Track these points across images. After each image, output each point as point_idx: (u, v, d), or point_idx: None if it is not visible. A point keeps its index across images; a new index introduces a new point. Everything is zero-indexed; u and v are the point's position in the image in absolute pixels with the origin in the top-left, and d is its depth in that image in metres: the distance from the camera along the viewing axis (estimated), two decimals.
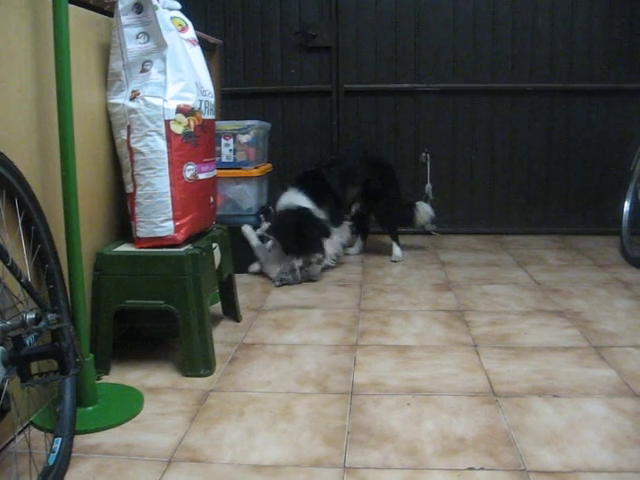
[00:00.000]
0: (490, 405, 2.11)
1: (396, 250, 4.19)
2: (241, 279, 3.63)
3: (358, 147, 4.65)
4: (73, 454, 1.82)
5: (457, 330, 2.83)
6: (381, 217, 4.22)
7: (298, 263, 3.63)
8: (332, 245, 3.85)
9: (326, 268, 3.86)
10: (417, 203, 4.34)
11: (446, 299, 3.28)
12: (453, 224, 4.92)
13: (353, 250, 4.34)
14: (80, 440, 1.91)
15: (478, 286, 3.50)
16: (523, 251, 4.34)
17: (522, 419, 2.01)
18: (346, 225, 3.98)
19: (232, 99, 4.86)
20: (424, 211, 4.32)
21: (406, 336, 2.77)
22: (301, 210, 3.71)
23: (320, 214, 3.75)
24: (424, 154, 4.81)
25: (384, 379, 2.33)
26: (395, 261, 4.13)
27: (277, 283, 3.59)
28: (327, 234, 3.75)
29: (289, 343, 2.71)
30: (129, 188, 2.47)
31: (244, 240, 3.75)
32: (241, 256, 3.60)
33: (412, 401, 2.15)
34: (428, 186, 4.80)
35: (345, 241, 3.96)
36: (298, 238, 3.65)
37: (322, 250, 3.72)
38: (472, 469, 1.74)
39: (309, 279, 3.66)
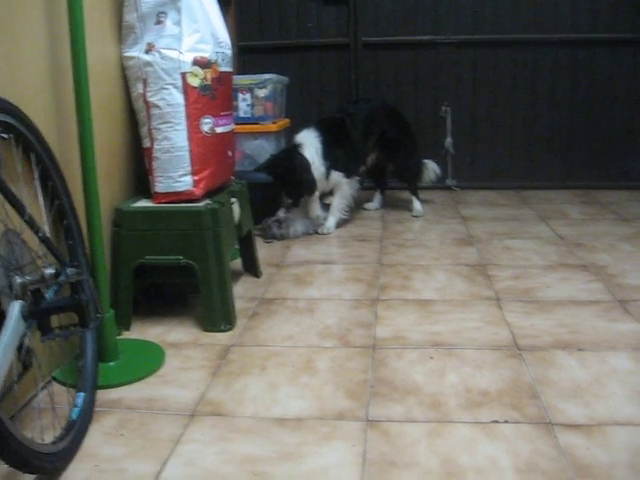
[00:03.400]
0: (514, 359, 2.09)
1: (417, 204, 4.14)
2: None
3: (375, 97, 4.56)
4: (96, 409, 1.83)
5: (479, 284, 2.79)
6: (399, 169, 4.16)
7: (282, 214, 3.60)
8: (343, 197, 3.81)
9: (344, 223, 3.83)
10: (425, 161, 4.28)
11: (468, 254, 3.24)
12: (474, 179, 4.85)
13: (372, 205, 4.30)
14: (102, 395, 1.92)
15: (500, 241, 3.46)
16: (545, 206, 4.28)
17: (546, 373, 1.98)
18: (357, 178, 3.89)
19: (248, 54, 4.80)
20: (431, 169, 4.27)
21: (428, 290, 2.74)
22: (297, 157, 3.60)
23: (320, 166, 3.65)
24: (444, 108, 4.73)
25: (406, 333, 2.31)
26: (416, 216, 4.08)
27: (268, 240, 3.57)
28: (310, 191, 3.65)
29: (310, 298, 2.70)
30: (146, 143, 2.44)
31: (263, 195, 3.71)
32: (262, 211, 3.56)
33: (435, 354, 2.13)
34: (448, 140, 4.73)
35: (355, 192, 3.89)
36: (282, 181, 3.61)
37: (296, 204, 3.65)
38: (496, 422, 1.73)
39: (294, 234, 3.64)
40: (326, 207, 3.84)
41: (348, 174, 3.80)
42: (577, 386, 1.90)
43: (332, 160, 3.70)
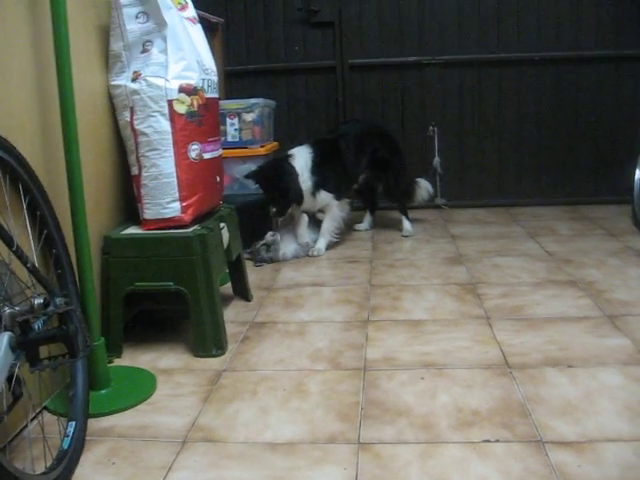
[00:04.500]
0: (504, 377, 2.10)
1: (406, 224, 4.16)
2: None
3: (365, 117, 4.60)
4: (87, 437, 1.82)
5: (469, 303, 2.81)
6: (389, 189, 4.18)
7: (270, 237, 3.61)
8: (334, 219, 3.82)
9: (334, 244, 3.85)
10: (417, 179, 4.31)
11: (457, 272, 3.26)
12: (462, 197, 4.88)
13: (362, 226, 4.32)
14: (94, 423, 1.91)
15: (489, 258, 3.48)
16: (534, 222, 4.30)
17: (537, 390, 1.99)
18: (347, 201, 3.91)
19: (236, 78, 4.83)
20: (424, 188, 4.30)
21: (418, 310, 2.75)
22: (286, 165, 3.65)
23: (308, 180, 3.68)
24: (431, 128, 4.76)
25: (397, 354, 2.32)
26: (406, 236, 4.10)
27: (258, 264, 3.58)
28: (297, 200, 3.67)
29: (300, 321, 2.70)
30: (134, 170, 2.46)
31: (253, 219, 3.72)
32: (252, 235, 3.58)
33: (426, 375, 2.14)
34: (436, 160, 4.76)
35: (345, 215, 3.91)
36: (269, 187, 3.63)
37: (282, 213, 3.67)
38: (487, 441, 1.73)
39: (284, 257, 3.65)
40: (317, 229, 3.86)
41: (338, 196, 3.81)
42: (567, 403, 1.91)
43: (321, 178, 3.73)
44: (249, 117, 3.79)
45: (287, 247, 3.66)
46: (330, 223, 3.81)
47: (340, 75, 4.81)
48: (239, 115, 3.79)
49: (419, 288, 3.04)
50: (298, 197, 3.66)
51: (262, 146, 3.88)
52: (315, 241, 3.79)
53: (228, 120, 3.78)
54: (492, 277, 3.15)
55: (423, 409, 1.92)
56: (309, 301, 2.95)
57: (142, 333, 2.61)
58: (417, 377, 2.13)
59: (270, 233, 3.64)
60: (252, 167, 3.78)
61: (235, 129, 3.80)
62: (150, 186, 2.41)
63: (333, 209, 3.81)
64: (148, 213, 2.44)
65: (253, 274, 3.32)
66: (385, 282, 3.17)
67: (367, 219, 4.35)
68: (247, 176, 3.68)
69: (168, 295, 2.41)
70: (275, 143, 4.19)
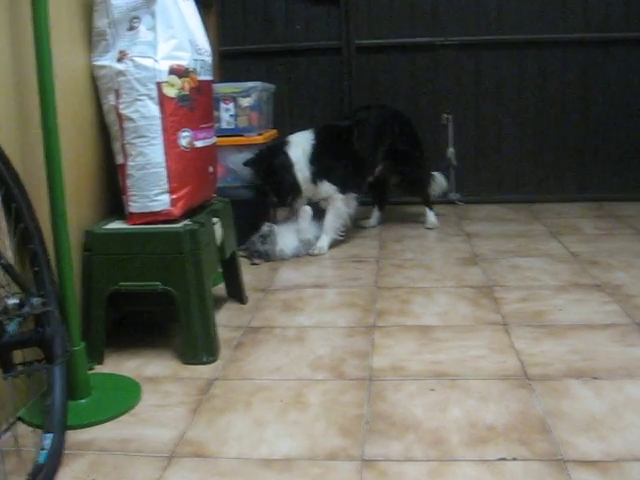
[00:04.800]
0: (522, 389, 2.09)
1: (431, 216, 4.22)
2: (246, 257, 3.63)
3: (387, 103, 4.61)
4: (65, 451, 1.82)
5: (485, 308, 2.80)
6: (412, 181, 4.23)
7: (266, 228, 3.62)
8: (338, 215, 3.82)
9: (338, 242, 3.84)
10: (433, 173, 4.35)
11: (472, 274, 3.26)
12: (479, 192, 4.88)
13: (370, 222, 4.32)
14: (73, 436, 1.91)
15: (507, 259, 3.48)
16: (557, 220, 4.30)
17: (558, 404, 1.99)
18: (356, 195, 3.91)
19: (231, 60, 4.83)
20: (439, 183, 4.35)
21: (429, 315, 2.75)
22: (279, 155, 3.70)
23: (305, 169, 3.72)
24: (445, 115, 4.76)
25: (405, 363, 2.32)
26: (430, 228, 4.17)
27: (254, 262, 3.58)
28: (295, 192, 3.72)
29: (300, 325, 2.70)
30: (119, 159, 2.45)
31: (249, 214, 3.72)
32: (247, 231, 3.59)
33: (436, 386, 2.14)
34: (450, 151, 4.76)
35: (352, 211, 3.91)
36: (266, 178, 3.69)
37: (282, 203, 3.72)
38: (503, 460, 1.73)
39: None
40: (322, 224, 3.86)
41: (343, 189, 3.81)
42: (592, 418, 1.90)
43: (323, 168, 3.74)
44: (245, 102, 3.79)
45: (286, 243, 3.65)
46: (333, 219, 3.81)
47: (346, 57, 4.81)
48: (235, 100, 3.78)
49: (430, 291, 3.04)
50: (293, 188, 3.69)
51: (260, 134, 3.88)
52: (317, 238, 3.78)
53: (223, 105, 3.77)
54: (510, 279, 3.15)
55: (433, 423, 1.92)
56: (309, 304, 2.95)
57: (126, 337, 2.60)
58: (427, 388, 2.13)
59: (267, 224, 3.64)
60: (248, 157, 3.79)
61: (230, 115, 3.79)
62: (136, 176, 2.41)
63: (336, 203, 3.80)
64: (134, 206, 2.44)
65: (249, 274, 3.32)
66: (393, 284, 3.17)
67: (375, 215, 4.36)
68: (245, 163, 3.70)
69: (155, 296, 2.41)
70: (274, 131, 4.19)
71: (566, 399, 2.02)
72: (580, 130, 4.76)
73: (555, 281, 3.10)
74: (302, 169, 3.68)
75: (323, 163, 3.74)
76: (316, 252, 3.72)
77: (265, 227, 3.62)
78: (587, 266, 3.30)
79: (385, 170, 4.14)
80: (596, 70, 4.69)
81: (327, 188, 3.76)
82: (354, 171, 3.87)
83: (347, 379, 2.22)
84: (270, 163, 3.66)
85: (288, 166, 3.65)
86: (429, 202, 4.25)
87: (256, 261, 3.56)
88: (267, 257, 3.59)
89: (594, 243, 3.72)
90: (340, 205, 3.82)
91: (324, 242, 3.77)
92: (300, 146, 3.72)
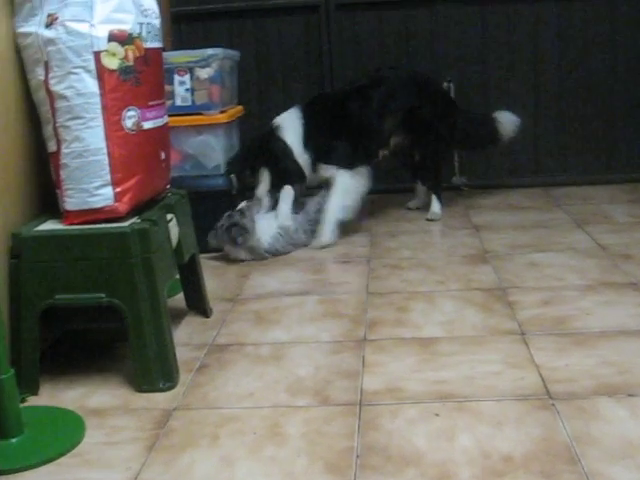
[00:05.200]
0: (545, 411, 2.10)
1: (435, 206, 4.27)
2: (210, 260, 3.63)
3: (403, 65, 4.69)
4: None
5: (498, 314, 2.81)
6: (424, 160, 4.28)
7: (244, 204, 3.67)
8: (344, 191, 3.85)
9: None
10: (495, 115, 4.38)
11: (482, 274, 3.27)
12: (488, 176, 4.89)
13: (415, 202, 4.47)
14: None
15: (524, 255, 3.49)
16: (582, 207, 4.32)
17: (587, 427, 1.99)
18: (365, 169, 3.96)
19: (186, 22, 4.83)
20: (508, 121, 4.36)
21: (431, 325, 2.76)
22: (276, 141, 3.78)
23: (303, 157, 3.80)
24: (446, 84, 4.76)
25: (403, 383, 2.32)
26: (432, 219, 4.22)
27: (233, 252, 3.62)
28: (299, 179, 3.81)
29: (276, 342, 2.70)
30: (51, 146, 2.44)
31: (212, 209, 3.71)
32: (209, 230, 3.59)
33: (441, 410, 2.14)
34: None
35: (362, 187, 3.94)
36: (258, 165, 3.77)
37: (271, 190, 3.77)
38: None
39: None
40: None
41: (347, 165, 3.86)
42: (628, 443, 1.91)
43: (321, 151, 3.83)
44: (204, 73, 3.78)
45: (263, 231, 3.65)
46: (336, 201, 3.85)
47: (324, 16, 4.81)
48: (191, 71, 3.77)
49: (432, 296, 3.05)
50: (300, 174, 3.80)
51: (222, 111, 3.87)
52: (307, 229, 3.84)
53: (176, 78, 3.77)
54: (528, 279, 3.17)
55: (438, 455, 1.92)
56: (287, 315, 2.95)
57: (66, 362, 2.60)
58: (430, 413, 2.13)
59: (243, 202, 3.66)
60: (210, 139, 3.79)
61: (186, 89, 3.78)
62: (72, 166, 2.39)
63: (338, 180, 3.86)
64: (71, 202, 2.42)
65: (212, 280, 3.32)
66: (387, 288, 3.18)
67: (420, 192, 4.45)
68: (229, 171, 3.77)
69: (99, 311, 2.40)
70: (239, 107, 4.18)
71: (596, 421, 2.02)
72: (608, 98, 4.78)
73: (581, 280, 3.11)
74: (300, 155, 3.72)
75: (320, 144, 3.82)
76: (319, 245, 3.77)
77: (242, 204, 3.63)
78: (619, 261, 3.32)
79: (404, 143, 4.21)
80: (626, 26, 4.71)
81: (328, 170, 3.85)
82: (358, 145, 3.93)
83: (333, 405, 2.22)
84: (268, 151, 3.74)
85: (289, 152, 3.74)
86: (438, 188, 4.29)
87: (240, 252, 3.59)
88: (250, 242, 3.58)
89: (627, 233, 3.75)
90: (346, 180, 3.87)
91: (327, 231, 3.80)
92: (291, 129, 3.76)
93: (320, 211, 3.80)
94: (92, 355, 2.68)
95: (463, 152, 4.70)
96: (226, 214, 3.62)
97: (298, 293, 3.20)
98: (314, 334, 2.75)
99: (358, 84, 4.07)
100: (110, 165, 2.39)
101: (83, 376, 2.49)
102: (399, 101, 4.08)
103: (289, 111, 3.91)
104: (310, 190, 3.98)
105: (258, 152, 3.80)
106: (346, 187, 3.85)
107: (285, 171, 3.74)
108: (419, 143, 4.21)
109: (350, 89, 4.03)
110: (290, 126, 3.81)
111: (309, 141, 3.80)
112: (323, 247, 3.76)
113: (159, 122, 2.60)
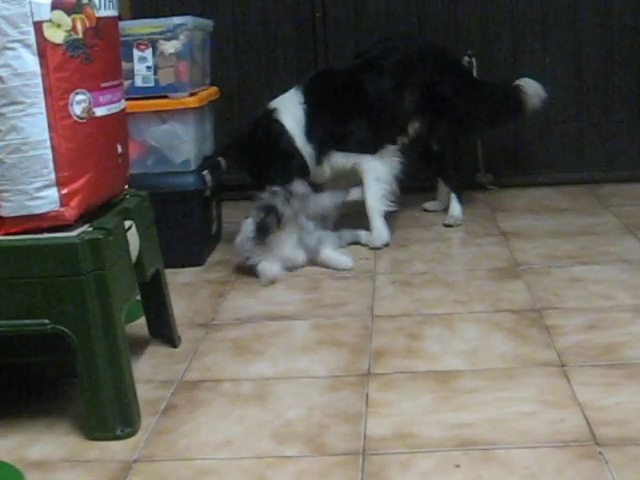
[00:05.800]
0: (590, 460, 2.09)
1: (455, 208, 4.30)
2: (178, 276, 3.62)
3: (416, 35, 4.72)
4: None
5: (532, 341, 2.82)
6: (443, 148, 4.33)
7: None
8: (378, 179, 3.92)
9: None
10: (519, 84, 4.39)
11: (513, 292, 3.27)
12: (518, 172, 4.90)
13: (433, 204, 4.52)
14: None
15: (564, 268, 3.50)
16: (634, 208, 4.34)
17: None
18: (391, 149, 4.02)
19: None
20: (533, 90, 4.38)
21: (449, 356, 2.76)
22: (273, 125, 3.84)
23: (305, 147, 3.85)
24: (467, 58, 4.77)
25: (416, 427, 2.31)
26: (450, 225, 4.23)
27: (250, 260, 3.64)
28: (303, 172, 3.86)
29: (259, 377, 2.70)
30: None
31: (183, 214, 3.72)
32: (177, 239, 3.59)
33: (463, 460, 2.14)
34: None
35: (394, 169, 4.00)
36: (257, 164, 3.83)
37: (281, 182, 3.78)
38: None
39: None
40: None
41: (371, 148, 3.94)
42: None
43: (329, 138, 3.90)
44: (170, 48, 3.78)
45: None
46: (374, 189, 3.93)
47: None
48: (154, 44, 3.78)
49: (451, 319, 3.06)
50: (303, 167, 3.85)
51: (192, 94, 3.87)
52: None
53: (136, 53, 3.77)
54: (569, 298, 3.17)
55: None
56: (273, 344, 2.95)
57: (2, 403, 2.59)
58: (449, 464, 2.13)
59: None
60: (177, 128, 3.79)
61: (147, 67, 3.79)
62: (8, 163, 2.39)
63: (369, 167, 3.93)
64: (6, 207, 2.41)
65: (181, 301, 3.32)
66: (396, 310, 3.19)
67: (443, 192, 4.47)
68: (223, 151, 3.94)
69: (42, 340, 2.40)
70: (213, 89, 4.18)
71: None
72: None
73: (634, 299, 3.12)
74: (302, 146, 3.75)
75: (327, 130, 3.87)
76: (377, 244, 3.87)
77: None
78: None
79: (422, 129, 4.25)
80: None
81: (344, 160, 3.91)
82: (377, 125, 3.98)
83: (330, 454, 2.22)
84: (264, 134, 3.82)
85: (290, 139, 3.81)
86: (457, 187, 4.31)
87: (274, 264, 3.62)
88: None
89: None
90: (375, 166, 3.94)
91: (379, 226, 3.90)
92: (290, 115, 3.79)
93: (320, 206, 3.82)
94: (34, 395, 2.68)
95: (486, 134, 4.67)
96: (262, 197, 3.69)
97: (287, 317, 3.20)
98: (306, 367, 2.75)
99: (368, 56, 4.11)
100: (55, 161, 2.39)
101: (22, 421, 2.49)
102: (418, 74, 4.13)
103: (287, 93, 3.96)
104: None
105: (253, 137, 3.87)
106: (377, 174, 3.94)
107: (287, 156, 3.79)
108: (438, 126, 4.24)
109: (360, 62, 4.08)
110: (289, 111, 3.86)
111: (314, 127, 3.85)
112: (384, 245, 3.87)
113: (115, 108, 2.60)
